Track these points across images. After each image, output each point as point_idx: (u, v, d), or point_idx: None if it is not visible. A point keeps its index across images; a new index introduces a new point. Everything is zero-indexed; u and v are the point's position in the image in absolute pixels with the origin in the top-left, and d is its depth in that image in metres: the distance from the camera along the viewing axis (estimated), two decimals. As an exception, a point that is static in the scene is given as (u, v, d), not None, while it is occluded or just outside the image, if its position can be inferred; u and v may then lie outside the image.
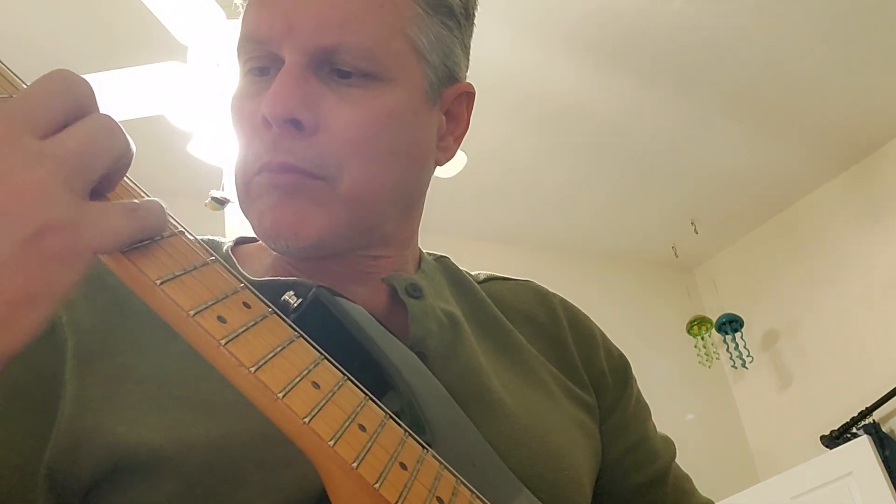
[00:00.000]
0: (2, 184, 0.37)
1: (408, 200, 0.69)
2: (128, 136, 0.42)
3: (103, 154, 0.40)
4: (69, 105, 0.41)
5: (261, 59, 0.64)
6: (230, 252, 0.69)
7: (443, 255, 0.81)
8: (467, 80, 0.73)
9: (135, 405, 0.55)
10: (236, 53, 0.66)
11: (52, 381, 0.56)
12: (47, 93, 0.41)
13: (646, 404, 0.83)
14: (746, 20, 2.91)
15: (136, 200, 0.42)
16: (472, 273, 0.82)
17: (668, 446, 0.82)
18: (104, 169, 0.40)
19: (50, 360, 0.56)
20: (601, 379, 0.77)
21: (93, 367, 0.57)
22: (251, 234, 0.70)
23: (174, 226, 0.45)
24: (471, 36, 0.73)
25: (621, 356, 0.82)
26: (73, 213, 0.38)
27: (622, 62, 3.02)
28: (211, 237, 0.71)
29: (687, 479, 0.82)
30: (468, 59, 0.73)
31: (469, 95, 0.73)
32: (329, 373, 0.45)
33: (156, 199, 0.43)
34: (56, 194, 0.37)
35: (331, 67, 0.61)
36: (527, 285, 0.83)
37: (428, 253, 0.79)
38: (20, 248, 0.36)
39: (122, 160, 0.42)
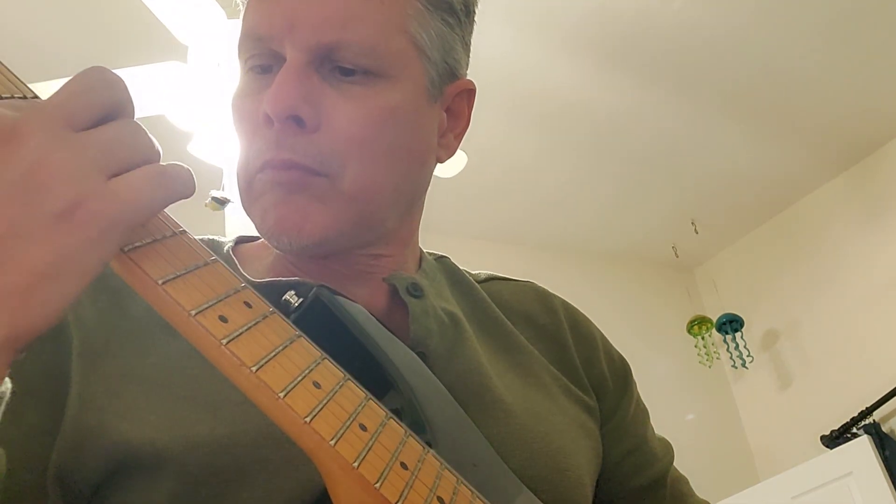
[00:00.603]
0: (35, 164, 0.38)
1: (409, 198, 0.69)
2: (156, 145, 0.43)
3: (129, 151, 0.41)
4: (104, 102, 0.42)
5: (262, 57, 0.64)
6: (231, 252, 0.69)
7: (443, 254, 0.81)
8: (468, 78, 0.73)
9: (138, 404, 0.56)
10: (237, 52, 0.66)
11: (59, 379, 0.56)
12: (84, 90, 0.42)
13: (645, 408, 0.83)
14: (746, 20, 2.91)
15: (162, 164, 0.42)
16: (473, 272, 0.81)
17: (667, 449, 0.82)
18: (129, 164, 0.41)
19: (57, 358, 0.57)
20: (602, 382, 0.77)
21: (96, 365, 0.57)
22: (252, 233, 0.70)
23: (175, 226, 0.45)
24: (471, 33, 0.73)
25: (622, 360, 0.82)
26: (101, 189, 0.39)
27: (623, 62, 3.02)
28: (211, 237, 0.71)
29: (685, 481, 0.82)
30: (469, 56, 0.73)
31: (470, 92, 0.73)
32: (330, 372, 0.45)
33: (182, 164, 0.44)
34: (85, 173, 0.39)
35: (332, 65, 0.62)
36: (528, 286, 0.83)
37: (428, 253, 0.79)
38: (51, 222, 0.37)
39: (149, 161, 0.42)
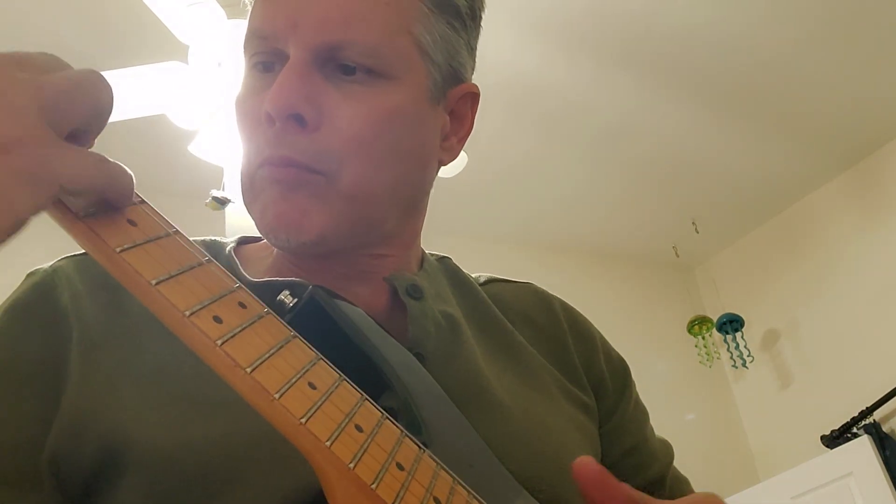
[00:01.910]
0: None
1: (409, 199, 0.69)
2: (112, 94, 0.43)
3: (85, 99, 0.42)
4: (56, 64, 0.43)
5: (266, 55, 0.64)
6: (232, 252, 0.69)
7: (445, 255, 0.81)
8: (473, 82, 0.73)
9: (135, 400, 0.56)
10: (243, 50, 0.67)
11: (57, 368, 0.57)
12: (37, 53, 0.43)
13: (644, 408, 0.82)
14: (747, 20, 2.91)
15: (107, 157, 0.42)
16: (473, 275, 0.81)
17: (667, 449, 0.82)
18: (83, 114, 0.41)
19: (56, 348, 0.58)
20: (600, 382, 0.77)
21: (95, 358, 0.58)
22: (252, 233, 0.70)
23: (168, 226, 0.45)
24: (477, 37, 0.73)
25: (621, 360, 0.82)
26: (42, 136, 0.39)
27: (623, 62, 3.02)
28: (213, 238, 0.71)
29: (685, 482, 0.81)
30: (474, 61, 0.73)
31: (474, 96, 0.73)
32: (326, 373, 0.45)
33: (123, 165, 0.43)
34: (30, 115, 0.39)
35: (335, 64, 0.62)
36: (527, 287, 0.83)
37: (430, 253, 0.79)
38: None
39: (102, 116, 0.43)
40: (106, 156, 0.42)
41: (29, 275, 0.64)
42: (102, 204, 0.42)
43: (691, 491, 0.81)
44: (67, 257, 0.65)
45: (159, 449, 0.53)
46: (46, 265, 0.64)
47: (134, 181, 0.44)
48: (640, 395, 0.83)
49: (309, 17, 0.61)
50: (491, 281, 0.81)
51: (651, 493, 0.76)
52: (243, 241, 0.73)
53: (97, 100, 0.42)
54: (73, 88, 0.41)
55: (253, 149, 0.64)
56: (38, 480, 0.54)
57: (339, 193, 0.62)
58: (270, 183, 0.62)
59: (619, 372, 0.80)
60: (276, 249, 0.69)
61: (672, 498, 0.78)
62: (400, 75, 0.63)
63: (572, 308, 0.83)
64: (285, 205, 0.61)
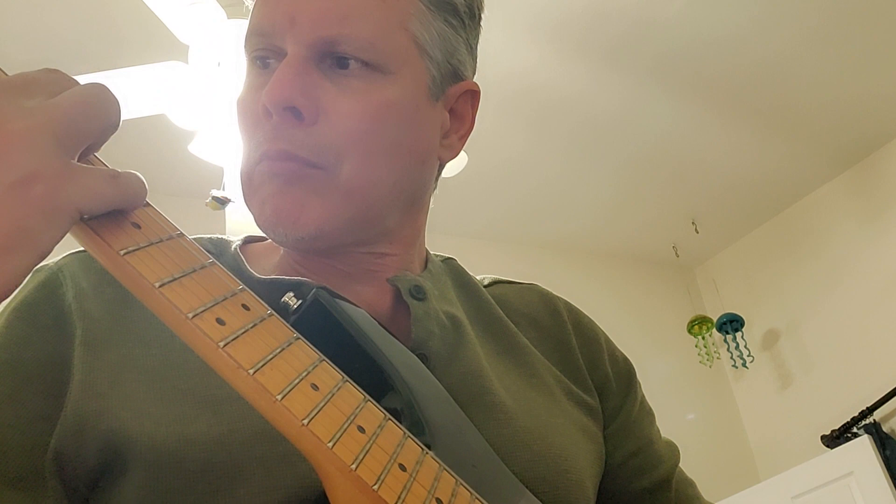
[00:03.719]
0: None
1: (409, 195, 0.69)
2: (119, 107, 0.43)
3: (95, 119, 0.42)
4: (62, 83, 0.43)
5: (264, 53, 0.65)
6: (238, 251, 0.69)
7: (450, 256, 0.81)
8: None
9: (139, 395, 0.56)
10: (244, 49, 0.67)
11: (61, 367, 0.57)
12: (40, 72, 0.43)
13: (650, 409, 0.82)
14: (747, 20, 2.91)
15: (117, 170, 0.43)
16: (478, 277, 0.81)
17: (673, 451, 0.81)
18: (95, 133, 0.42)
19: (59, 347, 0.58)
20: (605, 383, 0.77)
21: (99, 354, 0.58)
22: (255, 233, 0.70)
23: (172, 229, 0.45)
24: (477, 37, 0.73)
25: (626, 361, 0.82)
26: (60, 166, 0.39)
27: (623, 60, 3.02)
28: (220, 236, 0.72)
29: (691, 484, 0.81)
30: (475, 60, 0.74)
31: (474, 94, 0.73)
32: (328, 374, 0.45)
33: (136, 172, 0.44)
34: (46, 145, 0.38)
35: (332, 60, 0.62)
36: (532, 289, 0.83)
37: (435, 254, 0.79)
38: (6, 193, 0.37)
39: (111, 131, 0.43)
40: (116, 168, 0.43)
41: (35, 272, 0.64)
42: None
43: (697, 493, 0.81)
44: (73, 253, 0.65)
45: (162, 445, 0.53)
46: (52, 262, 0.65)
47: (147, 188, 0.44)
48: (643, 396, 0.83)
49: (306, 14, 0.61)
50: (495, 282, 0.81)
51: (657, 495, 0.77)
52: (249, 240, 0.74)
53: (106, 117, 0.42)
54: (82, 109, 0.41)
55: (252, 145, 0.64)
56: (41, 480, 0.55)
57: (338, 188, 0.62)
58: (269, 177, 0.62)
59: (624, 373, 0.80)
60: (283, 248, 0.69)
61: (678, 500, 0.78)
62: (397, 70, 0.64)
63: (577, 309, 0.83)
64: (283, 199, 0.62)
